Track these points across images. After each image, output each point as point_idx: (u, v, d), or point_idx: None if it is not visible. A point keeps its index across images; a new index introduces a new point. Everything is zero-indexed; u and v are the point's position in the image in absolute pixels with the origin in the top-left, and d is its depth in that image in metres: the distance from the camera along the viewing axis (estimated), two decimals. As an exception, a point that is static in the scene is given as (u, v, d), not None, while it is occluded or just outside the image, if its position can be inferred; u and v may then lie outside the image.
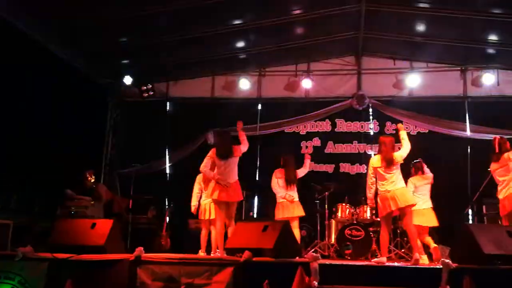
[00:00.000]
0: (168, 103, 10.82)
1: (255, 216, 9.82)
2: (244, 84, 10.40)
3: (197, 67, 10.33)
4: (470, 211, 8.89)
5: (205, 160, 6.64)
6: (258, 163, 10.16)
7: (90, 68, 9.63)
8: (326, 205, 8.60)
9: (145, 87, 10.32)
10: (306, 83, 10.22)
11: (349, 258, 7.69)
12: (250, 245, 5.28)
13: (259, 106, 10.65)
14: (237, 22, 8.80)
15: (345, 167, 10.27)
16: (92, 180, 8.56)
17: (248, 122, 10.51)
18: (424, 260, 6.24)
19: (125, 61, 9.83)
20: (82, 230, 6.00)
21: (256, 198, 9.97)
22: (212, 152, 6.65)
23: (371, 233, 7.97)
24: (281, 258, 5.13)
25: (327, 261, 5.85)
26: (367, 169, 9.65)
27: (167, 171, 10.39)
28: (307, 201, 8.82)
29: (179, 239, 8.75)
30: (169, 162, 10.41)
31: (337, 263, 5.72)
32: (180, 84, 10.85)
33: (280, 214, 7.33)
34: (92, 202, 8.26)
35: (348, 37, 9.78)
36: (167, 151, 10.47)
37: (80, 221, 6.60)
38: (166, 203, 9.18)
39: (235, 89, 10.59)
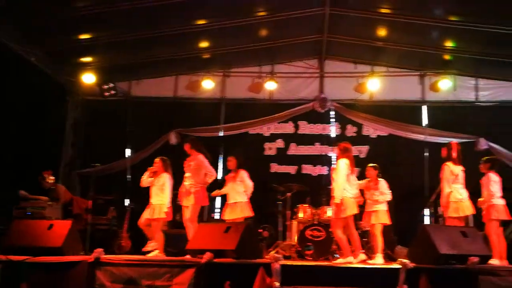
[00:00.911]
0: (130, 102, 10.66)
1: (217, 217, 9.80)
2: (208, 85, 10.36)
3: (160, 66, 10.23)
4: (427, 212, 9.13)
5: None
6: (221, 164, 10.14)
7: (49, 66, 9.35)
8: (288, 206, 8.65)
9: (106, 86, 10.12)
10: (270, 85, 10.28)
11: (310, 258, 7.76)
12: (212, 247, 5.27)
13: (223, 107, 10.64)
14: (201, 22, 8.76)
15: (307, 169, 10.38)
16: (51, 181, 8.33)
17: (211, 123, 10.52)
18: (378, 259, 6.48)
19: (86, 59, 9.62)
20: (39, 231, 5.84)
21: (219, 200, 9.93)
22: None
23: (331, 234, 8.05)
24: (243, 259, 5.14)
25: (289, 262, 5.89)
26: (329, 170, 9.96)
27: (128, 171, 10.22)
28: (269, 202, 8.90)
29: (140, 240, 8.62)
30: (131, 163, 10.24)
31: (298, 263, 5.77)
32: (142, 83, 10.71)
33: (240, 213, 7.39)
34: (50, 203, 8.03)
35: (311, 40, 9.90)
36: (128, 151, 10.31)
37: (36, 222, 6.42)
38: (127, 204, 9.03)
39: (198, 89, 10.53)
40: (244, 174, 7.61)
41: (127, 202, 9.34)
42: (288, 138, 10.57)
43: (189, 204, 6.96)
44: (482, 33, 8.23)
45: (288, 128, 10.61)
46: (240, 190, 7.53)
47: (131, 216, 8.70)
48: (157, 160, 7.31)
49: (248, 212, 7.45)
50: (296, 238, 8.30)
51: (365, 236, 8.20)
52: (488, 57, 9.22)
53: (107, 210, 9.10)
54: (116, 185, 9.96)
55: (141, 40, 8.83)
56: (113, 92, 10.16)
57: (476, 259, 4.76)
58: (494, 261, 6.21)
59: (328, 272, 5.16)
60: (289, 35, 9.60)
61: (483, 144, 9.81)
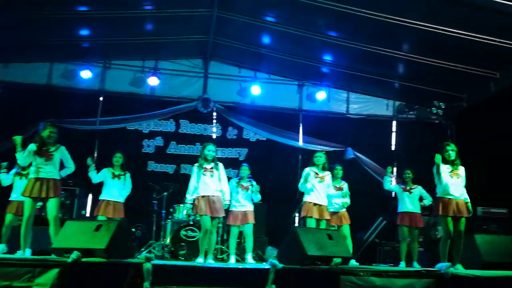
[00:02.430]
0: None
1: (87, 215, 9.33)
2: (86, 75, 9.83)
3: (33, 50, 9.46)
4: (297, 215, 9.57)
5: None
6: (95, 159, 9.66)
7: None
8: (163, 205, 8.53)
9: (-33, 67, 9.14)
10: (153, 81, 10.06)
11: (183, 259, 7.72)
12: (80, 245, 5.00)
13: (101, 100, 10.17)
14: (82, 8, 8.28)
15: (186, 168, 10.30)
16: None
17: (87, 115, 10.00)
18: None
19: None
20: None
21: (90, 197, 9.46)
22: None
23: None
24: (114, 258, 4.95)
25: (161, 262, 5.80)
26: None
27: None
28: (145, 201, 8.69)
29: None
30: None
31: (171, 264, 5.71)
32: (11, 67, 9.84)
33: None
34: None
35: (197, 40, 9.88)
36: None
37: None
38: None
39: (75, 79, 9.96)
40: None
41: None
42: (168, 137, 10.44)
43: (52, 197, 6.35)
44: (354, 50, 8.87)
45: (169, 126, 10.48)
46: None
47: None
48: None
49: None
50: (170, 238, 8.21)
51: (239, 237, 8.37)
52: (359, 73, 9.97)
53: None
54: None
55: (9, 21, 8.07)
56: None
57: (339, 260, 5.08)
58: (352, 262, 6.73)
59: (200, 272, 5.17)
60: (175, 33, 9.48)
61: (350, 153, 10.58)
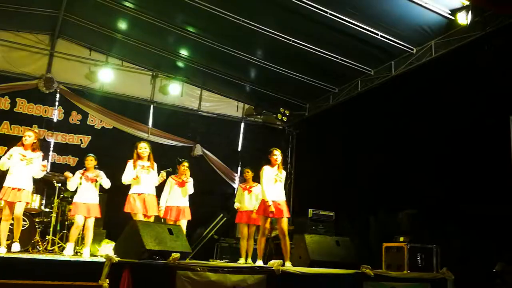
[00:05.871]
0: None
1: None
2: None
3: None
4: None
5: None
6: None
7: None
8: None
9: None
10: (-13, 51, 9.04)
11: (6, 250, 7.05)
12: None
13: None
14: None
15: (19, 152, 9.42)
16: None
17: None
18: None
19: None
20: None
21: None
22: None
23: (36, 224, 7.56)
24: None
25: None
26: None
27: None
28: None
29: None
30: None
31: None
32: None
33: None
34: None
35: (46, 13, 9.08)
36: None
37: None
38: None
39: None
40: None
41: None
42: (1, 115, 9.43)
43: None
44: (210, 49, 9.02)
45: (3, 103, 9.48)
46: None
47: None
48: None
49: None
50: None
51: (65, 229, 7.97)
52: (213, 72, 10.14)
53: None
54: None
55: None
56: None
57: (177, 255, 5.09)
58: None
59: (25, 265, 4.76)
60: (19, 1, 8.59)
61: (198, 150, 10.71)
